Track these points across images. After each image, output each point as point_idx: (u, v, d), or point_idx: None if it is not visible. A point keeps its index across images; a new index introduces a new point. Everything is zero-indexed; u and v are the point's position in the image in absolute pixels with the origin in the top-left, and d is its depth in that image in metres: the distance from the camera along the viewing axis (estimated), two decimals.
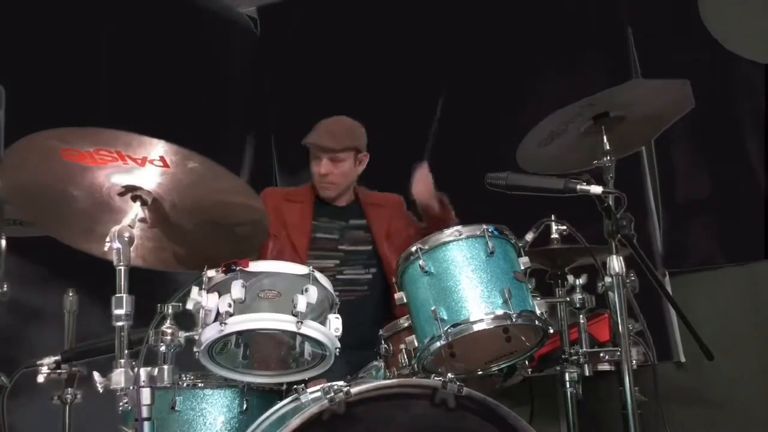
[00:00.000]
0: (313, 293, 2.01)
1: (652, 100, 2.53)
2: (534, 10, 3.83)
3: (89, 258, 2.11)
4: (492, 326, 2.07)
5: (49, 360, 2.33)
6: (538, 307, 2.14)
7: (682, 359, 3.50)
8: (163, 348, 1.93)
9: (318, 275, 2.09)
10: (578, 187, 2.16)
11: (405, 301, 2.19)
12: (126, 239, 1.88)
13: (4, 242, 2.09)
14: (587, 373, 2.66)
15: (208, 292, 1.99)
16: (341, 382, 2.00)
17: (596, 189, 2.16)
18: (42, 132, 1.83)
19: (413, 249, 2.17)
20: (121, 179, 1.96)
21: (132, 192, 1.98)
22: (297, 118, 3.09)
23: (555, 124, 2.49)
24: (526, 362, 2.40)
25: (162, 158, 1.88)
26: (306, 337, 2.06)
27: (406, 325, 2.24)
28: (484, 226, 2.17)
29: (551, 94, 3.69)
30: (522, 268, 2.20)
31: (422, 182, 2.96)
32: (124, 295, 1.85)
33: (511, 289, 2.09)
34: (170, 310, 1.95)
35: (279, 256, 2.80)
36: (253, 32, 4.59)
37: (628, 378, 2.12)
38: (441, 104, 2.91)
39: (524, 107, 3.65)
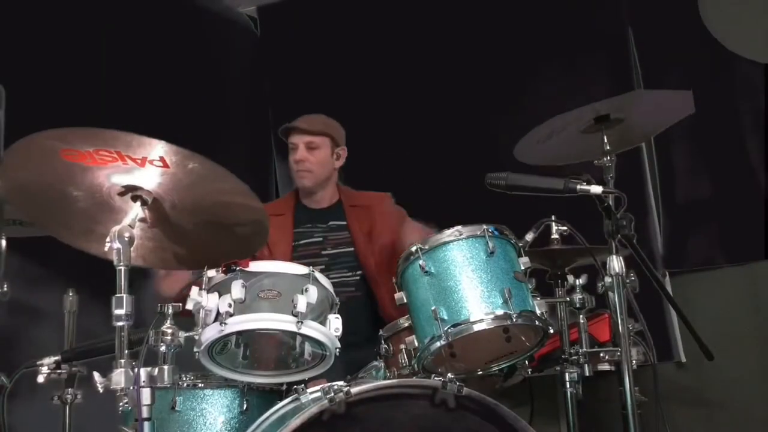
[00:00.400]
0: (313, 293, 2.01)
1: (654, 108, 2.55)
2: (534, 10, 3.83)
3: (89, 258, 2.10)
4: (492, 326, 2.08)
5: (49, 360, 2.33)
6: (538, 307, 2.14)
7: (682, 359, 3.49)
8: (163, 348, 1.92)
9: (318, 275, 2.09)
10: (578, 187, 2.16)
11: (405, 301, 2.19)
12: (126, 239, 1.87)
13: (4, 242, 2.08)
14: (587, 373, 2.65)
15: (208, 292, 2.00)
16: (341, 382, 2.00)
17: (596, 189, 2.15)
18: (42, 132, 1.83)
19: (413, 249, 2.17)
20: (121, 179, 1.95)
21: (132, 192, 1.98)
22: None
23: (555, 125, 2.50)
24: (526, 362, 2.39)
25: (162, 158, 1.88)
26: (306, 337, 2.06)
27: (406, 325, 2.25)
28: (484, 226, 2.17)
29: (552, 94, 3.69)
30: (522, 268, 2.20)
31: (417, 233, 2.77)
32: (124, 295, 1.84)
33: (511, 289, 2.09)
34: (170, 310, 1.95)
35: None
36: (253, 32, 4.59)
37: (628, 378, 2.12)
38: None
39: (524, 107, 3.65)
